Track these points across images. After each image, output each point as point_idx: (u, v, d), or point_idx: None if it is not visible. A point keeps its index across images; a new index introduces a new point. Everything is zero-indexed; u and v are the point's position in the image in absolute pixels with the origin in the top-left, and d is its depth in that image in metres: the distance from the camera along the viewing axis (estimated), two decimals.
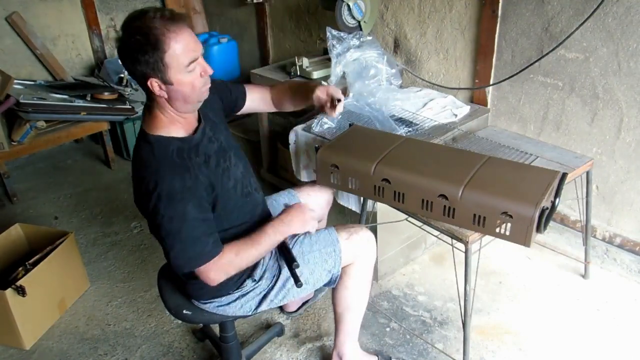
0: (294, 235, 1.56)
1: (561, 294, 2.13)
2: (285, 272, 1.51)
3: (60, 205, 2.99)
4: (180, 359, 1.94)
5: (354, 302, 1.65)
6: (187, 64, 1.25)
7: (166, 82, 1.25)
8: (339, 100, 1.62)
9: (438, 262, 2.36)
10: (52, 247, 2.13)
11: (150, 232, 1.33)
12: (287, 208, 1.54)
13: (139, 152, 1.33)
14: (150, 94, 1.30)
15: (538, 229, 1.46)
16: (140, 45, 1.19)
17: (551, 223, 2.36)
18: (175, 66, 1.23)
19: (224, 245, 1.36)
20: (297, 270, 1.45)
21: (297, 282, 1.43)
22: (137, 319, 2.14)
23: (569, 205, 2.34)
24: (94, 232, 2.72)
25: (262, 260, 1.50)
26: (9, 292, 1.89)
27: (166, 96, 1.28)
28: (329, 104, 1.63)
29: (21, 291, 1.92)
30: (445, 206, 1.54)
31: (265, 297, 1.52)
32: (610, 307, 2.06)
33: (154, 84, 1.25)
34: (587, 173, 1.98)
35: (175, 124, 1.34)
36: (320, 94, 1.65)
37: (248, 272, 1.49)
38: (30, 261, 2.07)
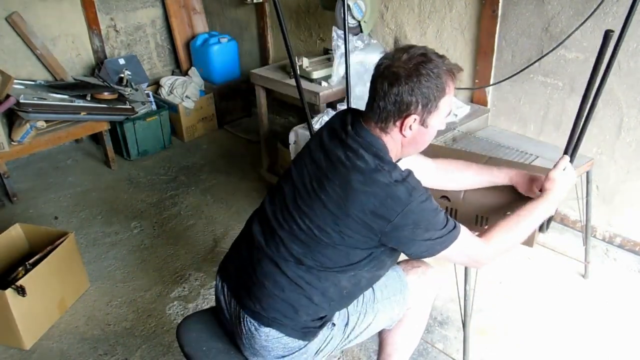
0: None
1: (561, 294, 2.13)
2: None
3: (60, 205, 2.98)
4: (180, 359, 1.94)
5: (405, 344, 1.52)
6: (447, 114, 1.21)
7: (424, 123, 1.18)
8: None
9: (438, 262, 2.35)
10: (52, 247, 2.13)
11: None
12: (545, 182, 1.37)
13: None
14: (391, 130, 1.19)
15: (540, 229, 1.46)
16: (429, 79, 1.12)
17: (551, 223, 2.37)
18: (441, 112, 1.18)
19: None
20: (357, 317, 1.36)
21: None
22: (137, 319, 2.14)
23: (569, 205, 2.34)
24: (94, 232, 2.72)
25: (345, 310, 1.34)
26: (9, 292, 1.89)
27: (410, 136, 1.20)
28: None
29: (21, 291, 1.91)
30: (447, 207, 1.54)
31: (320, 349, 1.33)
32: (610, 307, 2.06)
33: (412, 119, 1.16)
34: (587, 173, 1.98)
35: None
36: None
37: (328, 318, 1.29)
38: (30, 261, 2.07)
